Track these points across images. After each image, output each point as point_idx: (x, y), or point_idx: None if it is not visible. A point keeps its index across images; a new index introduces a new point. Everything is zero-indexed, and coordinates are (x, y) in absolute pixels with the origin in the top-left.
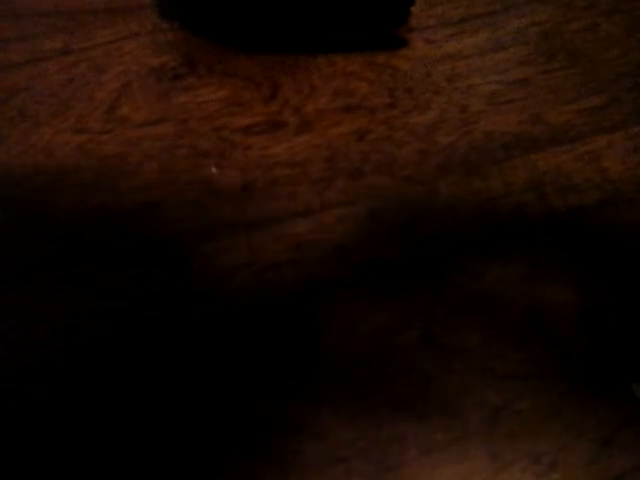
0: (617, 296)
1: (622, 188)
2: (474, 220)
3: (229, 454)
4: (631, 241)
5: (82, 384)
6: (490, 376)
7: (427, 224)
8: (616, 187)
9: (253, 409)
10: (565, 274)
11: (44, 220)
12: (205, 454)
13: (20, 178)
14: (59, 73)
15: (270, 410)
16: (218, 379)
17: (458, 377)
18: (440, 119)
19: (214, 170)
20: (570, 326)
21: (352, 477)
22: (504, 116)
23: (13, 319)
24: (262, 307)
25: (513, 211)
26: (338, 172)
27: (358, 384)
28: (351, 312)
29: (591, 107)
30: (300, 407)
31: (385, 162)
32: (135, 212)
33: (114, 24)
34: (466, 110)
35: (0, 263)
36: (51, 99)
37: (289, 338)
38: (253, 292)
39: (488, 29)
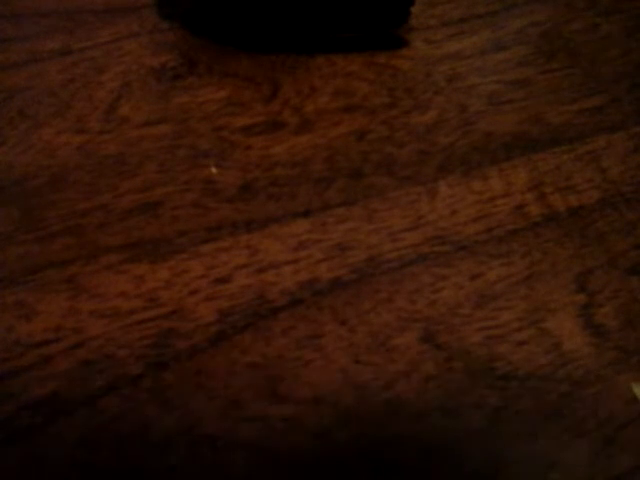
0: (617, 296)
1: (622, 188)
2: (474, 220)
3: (231, 453)
4: (631, 241)
5: (82, 384)
6: (490, 376)
7: (427, 224)
8: (616, 187)
9: (253, 410)
10: (565, 274)
11: (44, 220)
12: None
13: (20, 178)
14: (59, 73)
15: (269, 410)
16: (218, 378)
17: (458, 377)
18: (440, 119)
19: (214, 170)
20: (570, 326)
21: (352, 478)
22: (504, 116)
23: (13, 319)
24: (262, 307)
25: (513, 211)
26: (338, 172)
27: (358, 384)
28: (351, 312)
29: (591, 107)
30: (300, 407)
31: (385, 162)
32: (135, 212)
33: (114, 24)
34: (466, 110)
35: (0, 263)
36: (51, 99)
37: (289, 338)
38: (253, 292)
39: (488, 29)
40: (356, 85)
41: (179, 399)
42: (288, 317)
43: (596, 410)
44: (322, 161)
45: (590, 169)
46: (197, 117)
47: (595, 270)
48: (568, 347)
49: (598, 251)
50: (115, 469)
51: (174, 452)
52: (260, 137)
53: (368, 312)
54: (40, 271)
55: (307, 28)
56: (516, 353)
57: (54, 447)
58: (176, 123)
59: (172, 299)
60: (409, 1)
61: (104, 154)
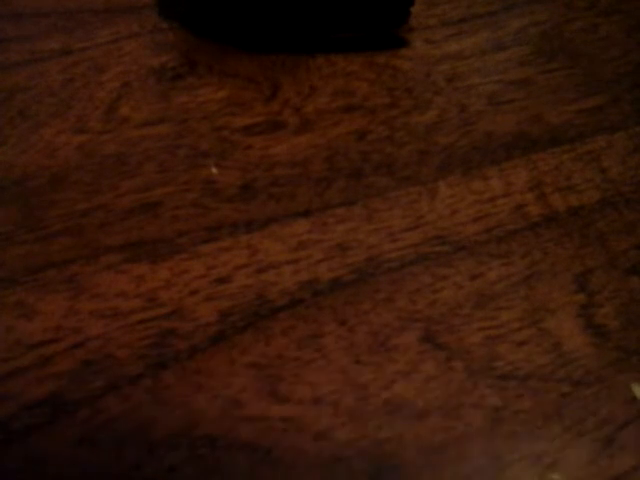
0: (617, 296)
1: (622, 188)
2: (474, 220)
3: (231, 453)
4: (631, 241)
5: (82, 384)
6: (490, 376)
7: (427, 224)
8: (616, 187)
9: (253, 410)
10: (565, 274)
11: (44, 220)
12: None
13: (20, 178)
14: (59, 73)
15: (269, 410)
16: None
17: (458, 377)
18: (440, 119)
19: (214, 170)
20: (570, 326)
21: (352, 478)
22: (504, 116)
23: (13, 319)
24: (262, 307)
25: (513, 211)
26: (338, 172)
27: (358, 384)
28: (351, 312)
29: (591, 107)
30: (300, 407)
31: (385, 162)
32: (135, 212)
33: (114, 24)
34: (466, 110)
35: (0, 263)
36: (51, 99)
37: (289, 338)
38: (253, 292)
39: (488, 29)
40: (356, 85)
41: (179, 399)
42: (288, 317)
43: (596, 410)
44: (322, 161)
45: (590, 169)
46: (197, 117)
47: (595, 270)
48: (568, 347)
49: (598, 251)
50: (115, 469)
51: (174, 452)
52: (260, 137)
53: (368, 312)
54: (40, 271)
55: (307, 28)
56: (516, 353)
57: (54, 447)
58: (176, 123)
59: (172, 299)
60: (409, 1)
61: (104, 154)
